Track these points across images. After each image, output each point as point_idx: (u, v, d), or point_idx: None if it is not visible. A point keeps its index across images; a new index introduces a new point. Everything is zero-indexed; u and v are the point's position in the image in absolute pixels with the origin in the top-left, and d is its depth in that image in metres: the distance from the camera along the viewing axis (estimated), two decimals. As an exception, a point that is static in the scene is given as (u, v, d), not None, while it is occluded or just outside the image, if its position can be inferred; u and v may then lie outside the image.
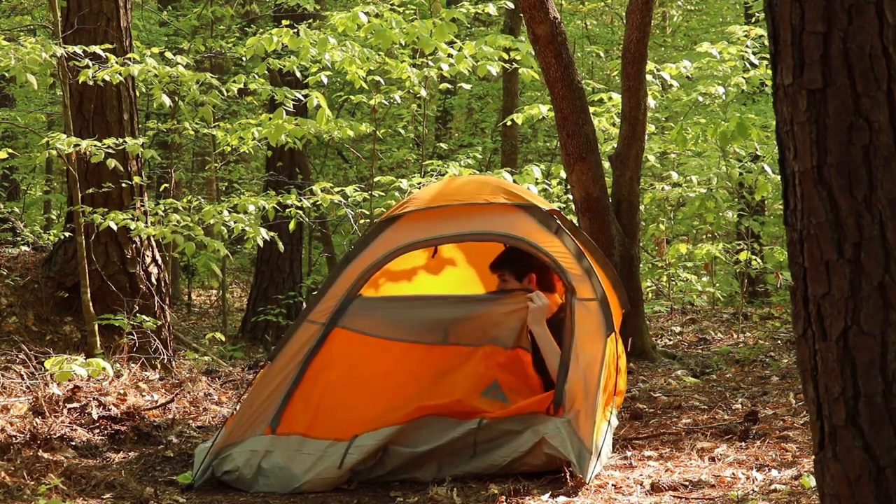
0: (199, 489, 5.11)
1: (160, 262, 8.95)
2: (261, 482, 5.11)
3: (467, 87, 12.29)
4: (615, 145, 8.66)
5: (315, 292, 5.87)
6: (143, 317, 8.24)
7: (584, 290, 5.35)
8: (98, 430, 6.11)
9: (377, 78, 10.08)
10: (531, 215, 5.57)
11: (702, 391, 7.14)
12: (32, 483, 4.99)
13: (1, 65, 7.66)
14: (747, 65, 10.81)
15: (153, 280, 8.76)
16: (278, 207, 9.34)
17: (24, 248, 10.01)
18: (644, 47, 8.19)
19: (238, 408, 5.39)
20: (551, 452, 4.97)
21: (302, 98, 9.48)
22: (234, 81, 9.78)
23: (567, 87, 7.89)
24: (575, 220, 8.06)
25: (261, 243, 9.05)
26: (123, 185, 8.61)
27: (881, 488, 2.83)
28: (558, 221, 5.57)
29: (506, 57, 9.65)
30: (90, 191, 8.48)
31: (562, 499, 4.72)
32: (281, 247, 9.88)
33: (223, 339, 9.37)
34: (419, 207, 5.57)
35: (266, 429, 5.16)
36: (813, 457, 3.04)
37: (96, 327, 8.11)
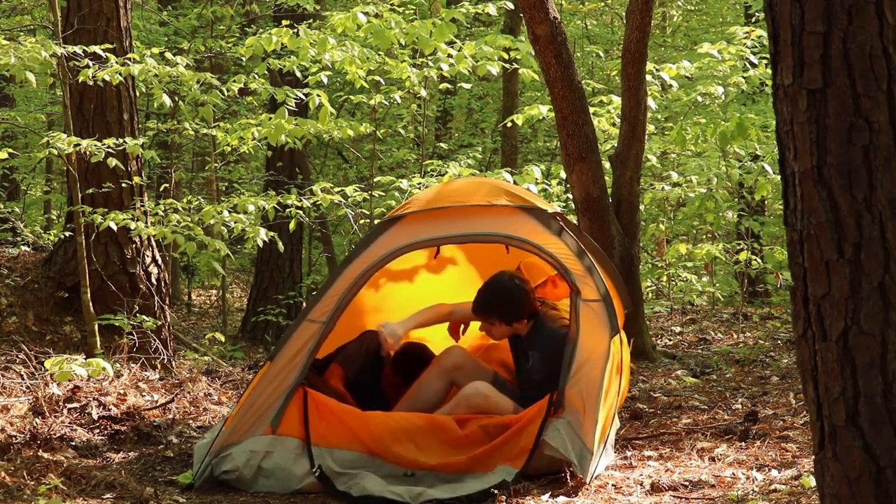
0: (198, 489, 5.11)
1: (160, 262, 8.94)
2: (261, 482, 5.11)
3: (467, 87, 12.28)
4: (615, 145, 8.65)
5: (315, 292, 5.87)
6: (143, 317, 8.23)
7: (587, 290, 5.35)
8: (98, 430, 6.11)
9: (377, 78, 10.07)
10: (533, 217, 5.57)
11: (702, 391, 7.13)
12: (32, 483, 4.98)
13: (1, 63, 7.65)
14: (747, 65, 10.80)
15: (153, 280, 8.75)
16: (278, 207, 9.33)
17: (24, 248, 10.01)
18: (644, 47, 8.18)
19: (238, 407, 5.39)
20: (552, 454, 4.97)
21: (303, 98, 9.47)
22: (234, 81, 9.77)
23: (567, 87, 7.88)
24: (575, 220, 8.05)
25: (261, 243, 9.03)
26: (123, 185, 8.60)
27: (881, 488, 2.82)
28: (560, 222, 5.57)
29: (506, 57, 9.63)
30: (90, 191, 8.47)
31: (562, 499, 4.72)
32: (281, 247, 9.87)
33: (223, 339, 9.35)
34: (420, 208, 5.57)
35: (266, 428, 5.16)
36: (813, 457, 3.04)
37: (96, 327, 8.11)
